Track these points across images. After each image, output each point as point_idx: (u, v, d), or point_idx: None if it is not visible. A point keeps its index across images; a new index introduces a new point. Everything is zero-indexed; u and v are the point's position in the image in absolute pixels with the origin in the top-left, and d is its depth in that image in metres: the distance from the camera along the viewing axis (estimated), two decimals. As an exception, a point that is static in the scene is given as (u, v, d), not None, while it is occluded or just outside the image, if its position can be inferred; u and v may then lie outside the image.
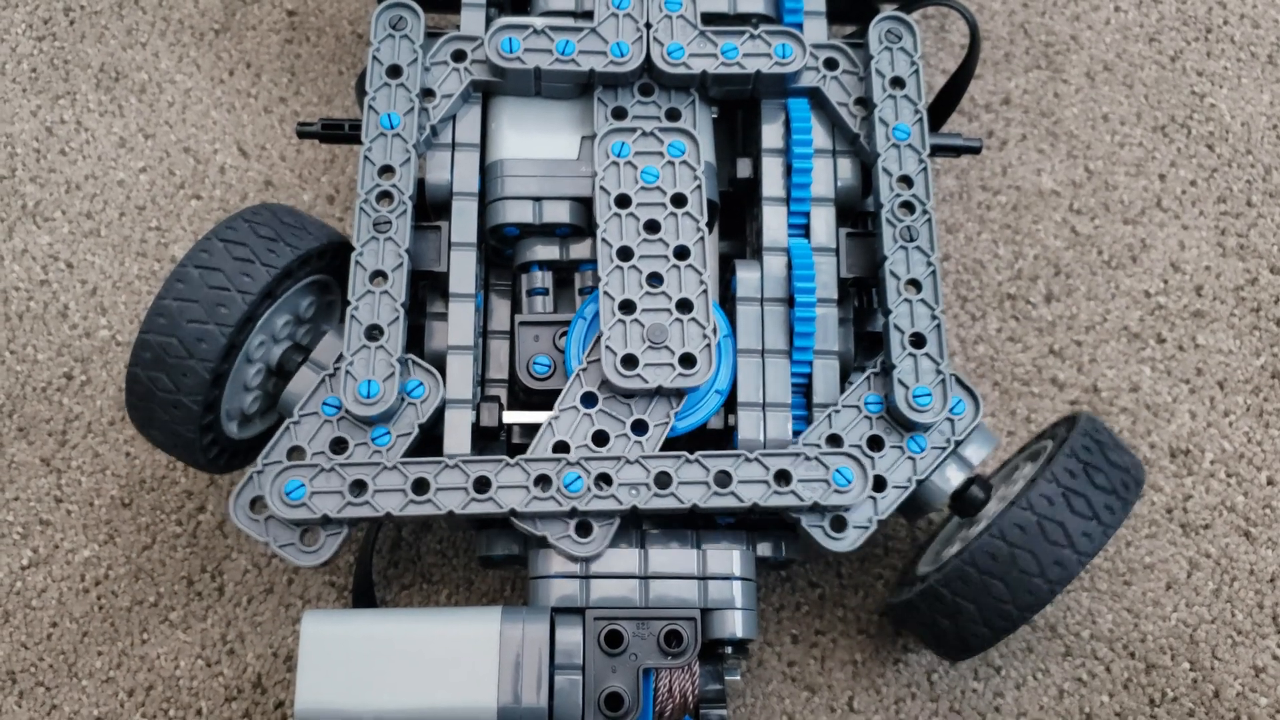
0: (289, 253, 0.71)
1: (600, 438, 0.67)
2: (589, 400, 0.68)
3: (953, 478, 0.71)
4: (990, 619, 0.68)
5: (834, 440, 0.69)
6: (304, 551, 0.66)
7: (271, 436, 0.78)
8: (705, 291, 0.69)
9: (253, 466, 0.67)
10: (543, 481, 0.66)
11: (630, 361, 0.67)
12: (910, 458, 0.69)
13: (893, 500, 0.68)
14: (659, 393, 0.68)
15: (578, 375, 0.68)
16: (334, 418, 0.68)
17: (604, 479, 0.66)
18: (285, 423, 0.68)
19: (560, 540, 0.66)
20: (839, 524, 0.68)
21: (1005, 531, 0.67)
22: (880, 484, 0.69)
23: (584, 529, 0.66)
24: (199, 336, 0.67)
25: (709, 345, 0.68)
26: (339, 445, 0.68)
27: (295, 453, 0.68)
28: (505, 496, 0.66)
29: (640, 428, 0.68)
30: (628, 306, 0.69)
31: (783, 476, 0.67)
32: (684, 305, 0.69)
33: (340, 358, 0.69)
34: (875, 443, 0.69)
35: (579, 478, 0.66)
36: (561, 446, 0.67)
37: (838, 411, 0.70)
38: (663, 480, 0.66)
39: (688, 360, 0.68)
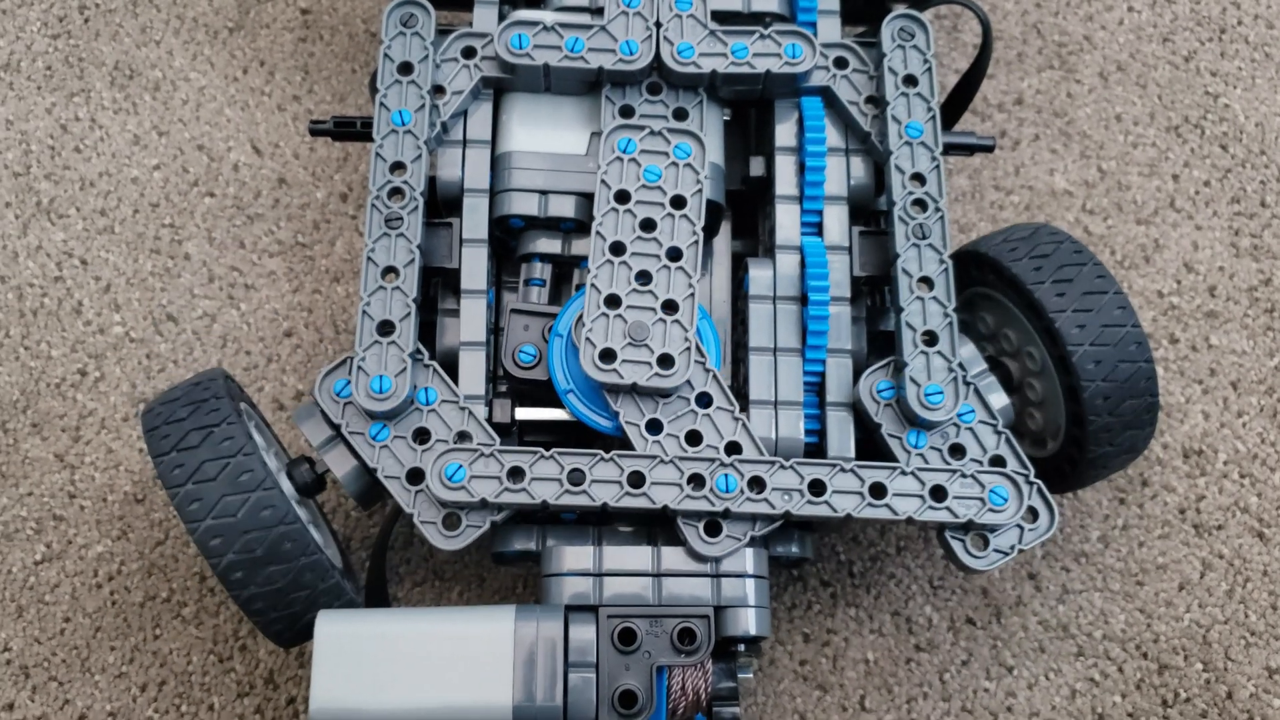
0: (217, 401, 0.68)
1: (693, 437, 0.68)
2: (654, 427, 0.68)
3: (997, 396, 0.73)
4: (1142, 420, 0.73)
5: (955, 450, 0.70)
6: (444, 535, 0.67)
7: (346, 547, 0.80)
8: (693, 295, 0.69)
9: (409, 514, 0.67)
10: (695, 480, 0.66)
11: (608, 356, 0.68)
12: (979, 423, 0.71)
13: (1015, 455, 0.70)
14: (635, 390, 0.68)
15: (622, 423, 0.68)
16: (390, 436, 0.68)
17: (757, 482, 0.66)
18: (379, 478, 0.67)
19: (687, 528, 0.67)
20: (982, 542, 0.68)
21: (1089, 375, 0.71)
22: (1001, 462, 0.70)
23: (713, 529, 0.67)
24: (256, 508, 0.64)
25: (689, 348, 0.68)
26: (421, 435, 0.68)
27: (414, 475, 0.67)
28: (659, 493, 0.66)
29: (704, 400, 0.69)
30: (613, 301, 0.69)
31: (938, 492, 0.67)
32: (669, 306, 0.69)
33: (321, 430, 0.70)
34: (956, 450, 0.70)
35: (733, 479, 0.66)
36: (704, 443, 0.68)
37: (908, 475, 0.69)
38: (817, 487, 0.67)
39: (665, 360, 0.68)
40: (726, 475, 0.66)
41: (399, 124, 0.73)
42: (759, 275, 0.73)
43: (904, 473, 0.67)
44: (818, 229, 0.75)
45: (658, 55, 0.74)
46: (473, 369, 0.71)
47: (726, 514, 0.66)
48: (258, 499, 0.65)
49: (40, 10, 1.00)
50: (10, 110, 0.96)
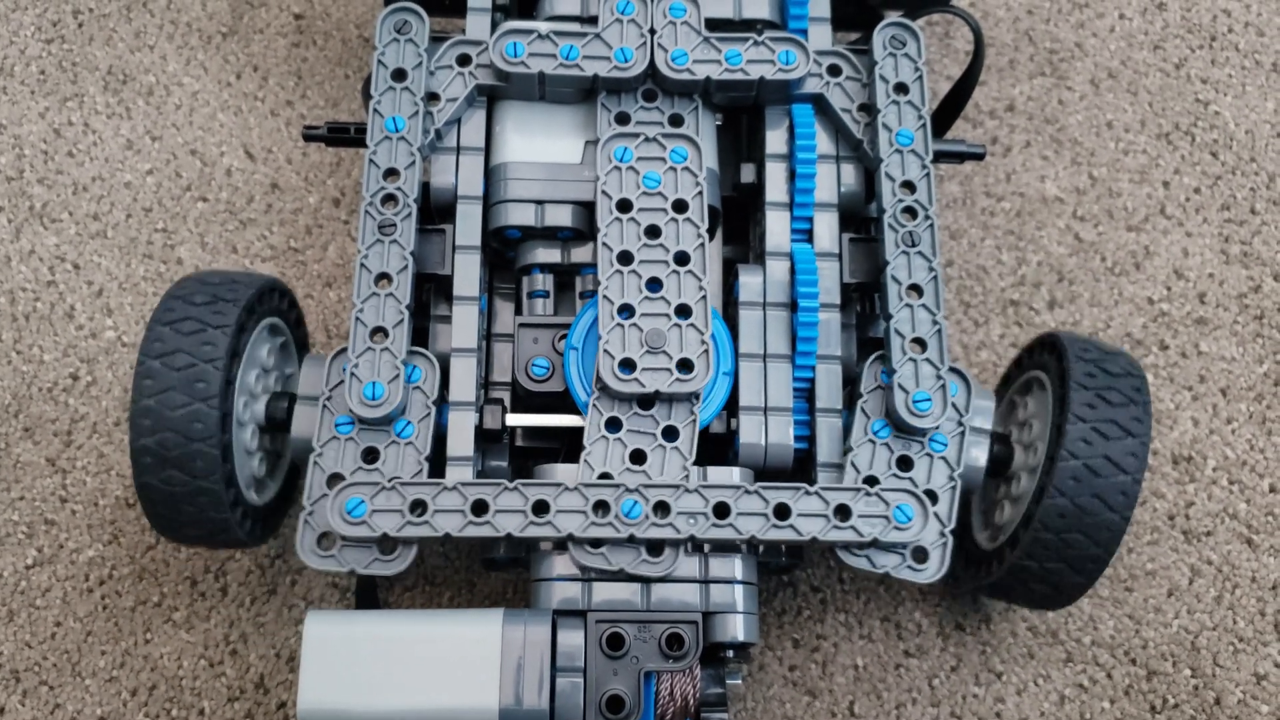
0: (233, 309, 0.70)
1: (637, 456, 0.67)
2: (613, 425, 0.68)
3: (979, 454, 0.72)
4: (1081, 567, 0.70)
5: (870, 481, 0.69)
6: (388, 561, 0.66)
7: (289, 491, 0.79)
8: (704, 297, 0.69)
9: (302, 512, 0.67)
10: (601, 508, 0.66)
11: (628, 365, 0.68)
12: (941, 458, 0.69)
13: (949, 505, 0.69)
14: (658, 397, 0.68)
15: (593, 405, 0.68)
16: (353, 434, 0.68)
17: (661, 507, 0.66)
18: (310, 459, 0.68)
19: (637, 566, 0.65)
20: (920, 555, 0.68)
21: (1061, 487, 0.68)
22: (932, 497, 0.69)
23: (655, 549, 0.66)
24: (191, 419, 0.67)
25: (706, 351, 0.68)
26: (370, 455, 0.68)
27: (335, 479, 0.67)
28: (563, 521, 0.65)
29: (671, 434, 0.68)
30: (627, 310, 0.69)
31: (843, 511, 0.67)
32: (683, 310, 0.69)
33: (332, 373, 0.69)
34: (904, 463, 0.69)
35: (637, 504, 0.65)
36: (605, 477, 0.67)
37: (855, 453, 0.69)
38: (721, 510, 0.66)
39: (685, 365, 0.68)
40: (632, 501, 0.65)
41: (393, 130, 0.73)
42: (749, 281, 0.73)
43: (809, 493, 0.67)
44: (808, 236, 0.75)
45: (652, 62, 0.74)
46: (464, 375, 0.71)
47: (632, 539, 0.65)
48: (196, 410, 0.67)
49: (34, 15, 1.00)
50: (3, 114, 0.97)
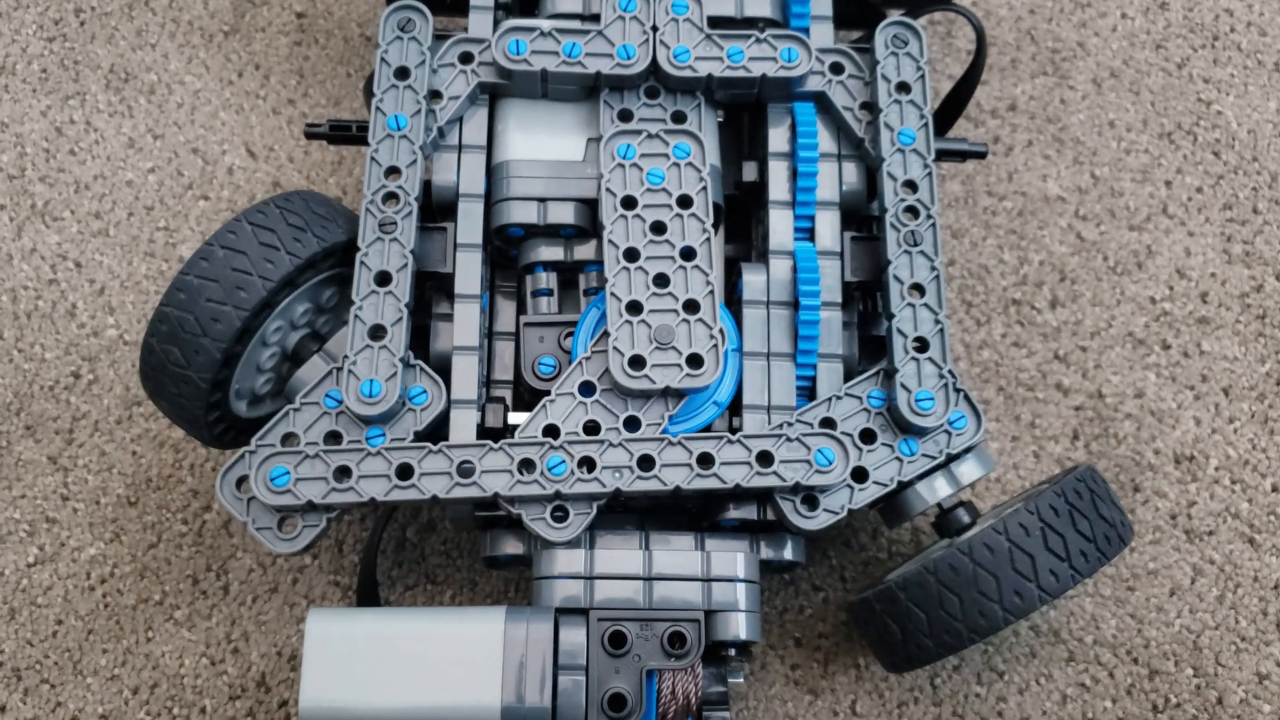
0: (315, 244, 0.71)
1: (591, 428, 0.67)
2: (586, 389, 0.68)
3: (940, 490, 0.71)
4: (937, 632, 0.67)
5: (827, 423, 0.69)
6: (280, 538, 0.67)
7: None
8: (712, 292, 0.69)
9: (247, 446, 0.68)
10: (526, 465, 0.66)
11: (638, 362, 0.68)
12: (899, 459, 0.69)
13: (871, 494, 0.68)
14: (666, 393, 0.68)
15: (580, 363, 0.69)
16: (334, 410, 0.68)
17: (587, 462, 0.66)
18: (285, 408, 0.69)
19: (536, 524, 0.66)
20: (811, 503, 0.68)
21: (973, 549, 0.66)
22: (862, 475, 0.69)
23: (559, 514, 0.66)
24: (214, 316, 0.68)
25: (716, 346, 0.68)
26: (333, 438, 0.68)
27: (290, 439, 0.68)
28: (489, 480, 0.66)
29: (633, 424, 0.68)
30: (635, 307, 0.69)
31: (765, 458, 0.67)
32: (691, 306, 0.69)
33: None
34: (868, 436, 0.69)
35: (563, 461, 0.66)
36: (551, 430, 0.67)
37: (839, 399, 0.70)
38: (645, 463, 0.66)
39: (695, 360, 0.68)
40: (557, 458, 0.66)
41: (395, 128, 0.73)
42: (752, 280, 0.73)
43: (730, 441, 0.67)
44: (810, 234, 0.75)
45: (655, 59, 0.74)
46: (465, 373, 0.71)
47: (559, 496, 0.65)
48: (224, 311, 0.68)
49: (36, 13, 1.00)
50: (5, 113, 0.97)
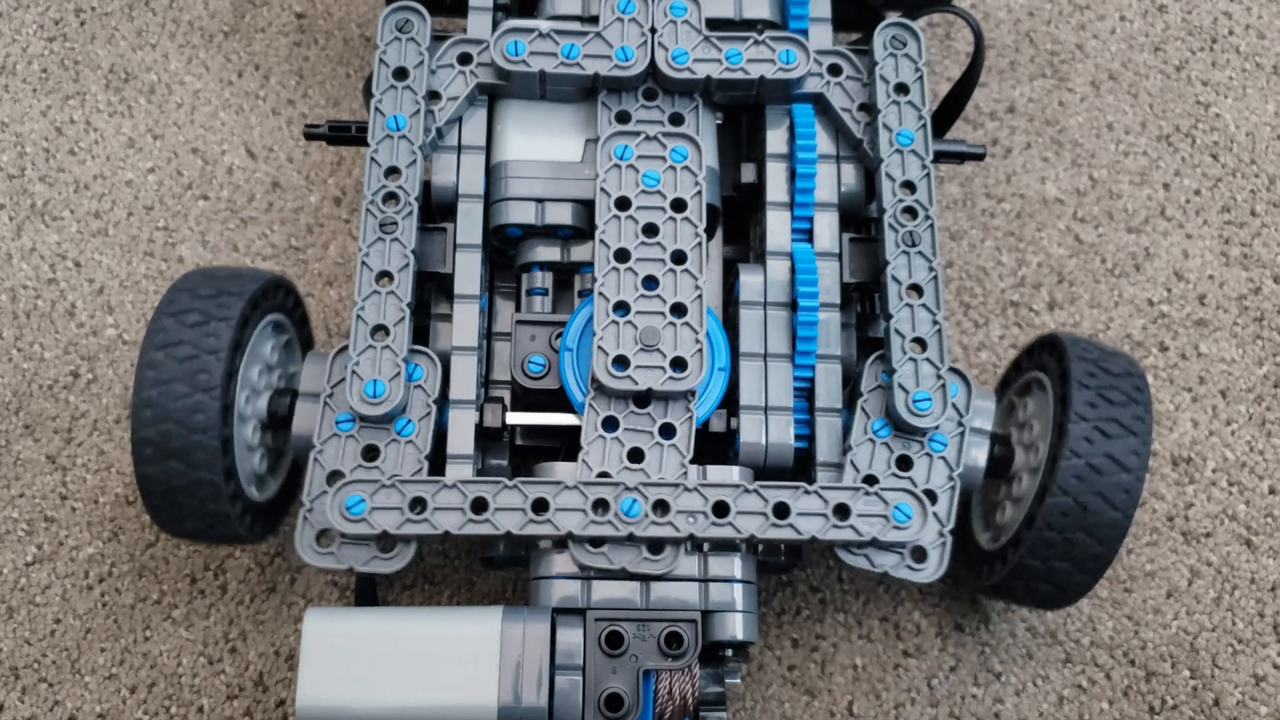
0: (237, 301, 0.71)
1: (635, 454, 0.67)
2: (610, 424, 0.68)
3: (979, 455, 0.72)
4: (1085, 566, 0.70)
5: (870, 480, 0.69)
6: (386, 559, 0.66)
7: (290, 490, 0.79)
8: (700, 296, 0.69)
9: (302, 509, 0.67)
10: (600, 506, 0.65)
11: (622, 362, 0.68)
12: (940, 458, 0.69)
13: (949, 505, 0.69)
14: (651, 395, 0.68)
15: (590, 405, 0.68)
16: (354, 431, 0.68)
17: (661, 506, 0.66)
18: (311, 456, 0.68)
19: (639, 565, 0.65)
20: (919, 554, 0.68)
21: (1064, 486, 0.68)
22: (931, 496, 0.69)
23: (656, 547, 0.66)
24: (192, 410, 0.67)
25: (700, 350, 0.68)
26: (370, 453, 0.68)
27: (335, 476, 0.67)
28: (563, 519, 0.65)
29: (668, 431, 0.68)
30: (622, 308, 0.69)
31: (842, 510, 0.67)
32: (678, 309, 0.69)
33: (334, 370, 0.70)
34: (904, 462, 0.69)
35: (636, 503, 0.65)
36: (604, 476, 0.67)
37: (854, 452, 0.69)
38: (720, 509, 0.66)
39: (679, 364, 0.68)
40: (631, 499, 0.65)
41: (394, 129, 0.73)
42: (750, 281, 0.73)
43: (808, 492, 0.66)
44: (808, 235, 0.75)
45: (653, 61, 0.74)
46: (465, 373, 0.71)
47: (631, 538, 0.65)
48: (198, 401, 0.67)
49: (36, 13, 1.00)
50: (5, 112, 0.97)
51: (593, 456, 0.67)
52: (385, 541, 0.66)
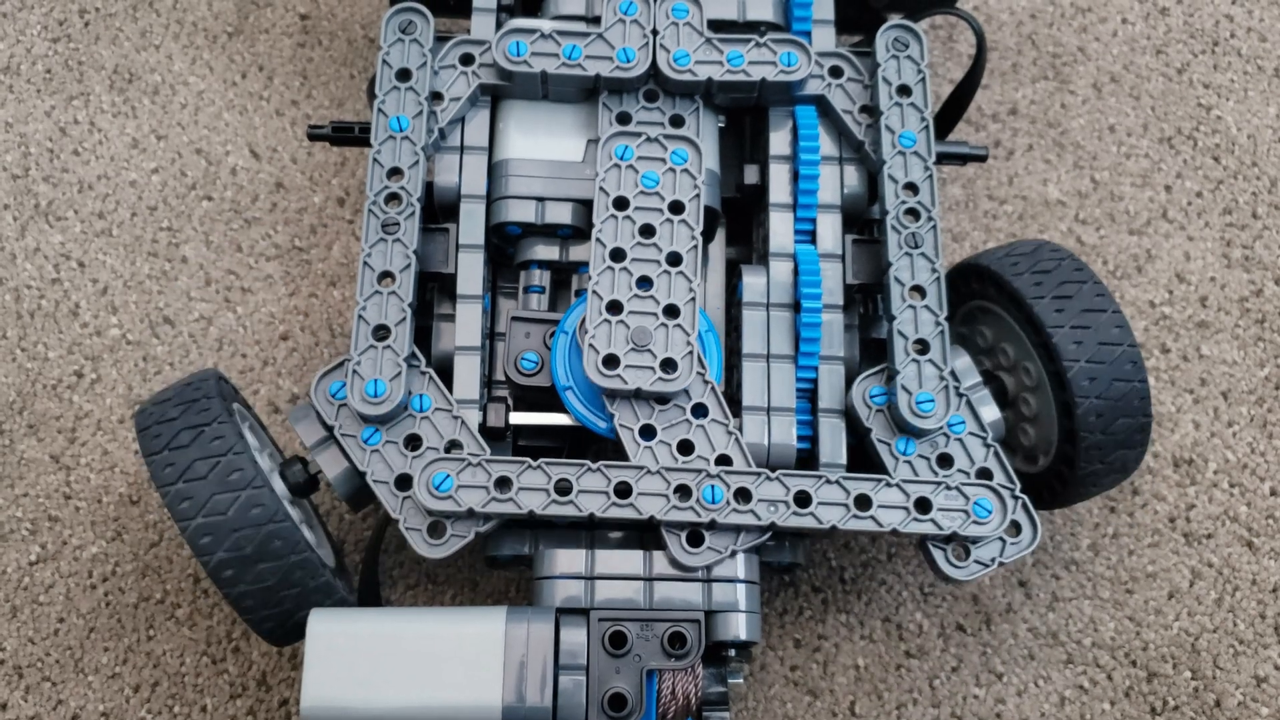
0: (209, 401, 0.69)
1: (685, 447, 0.68)
2: (647, 433, 0.68)
3: (990, 409, 0.73)
4: (1133, 440, 0.73)
5: (923, 505, 0.68)
6: (429, 543, 0.67)
7: (340, 548, 0.79)
8: (693, 299, 0.70)
9: (396, 522, 0.68)
10: (682, 491, 0.66)
11: (611, 361, 0.68)
12: (969, 435, 0.71)
13: (1002, 469, 0.70)
14: (639, 395, 0.68)
15: (620, 427, 0.68)
16: (382, 439, 0.69)
17: (743, 494, 0.66)
18: (368, 482, 0.68)
19: (680, 554, 0.66)
20: (1014, 528, 0.69)
21: (1083, 392, 0.71)
22: (986, 474, 0.70)
23: (695, 539, 0.67)
24: (247, 506, 0.65)
25: (691, 352, 0.68)
26: (412, 442, 0.68)
27: (403, 481, 0.68)
28: (645, 504, 0.66)
29: (700, 411, 0.69)
30: (615, 307, 0.69)
31: (922, 504, 0.67)
32: (671, 310, 0.69)
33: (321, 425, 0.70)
34: (944, 460, 0.70)
35: (719, 489, 0.66)
36: (671, 467, 0.67)
37: (897, 479, 0.69)
38: (802, 499, 0.67)
39: (669, 365, 0.68)
40: (713, 486, 0.66)
41: (397, 130, 0.73)
42: (753, 282, 0.73)
43: (889, 484, 0.67)
44: (811, 237, 0.75)
45: (654, 63, 0.74)
46: (467, 373, 0.71)
47: (713, 525, 0.66)
48: (248, 497, 0.65)
49: (40, 14, 1.00)
50: (9, 113, 0.97)
51: (643, 484, 0.67)
52: (440, 526, 0.67)
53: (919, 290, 0.72)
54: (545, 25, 0.75)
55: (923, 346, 0.71)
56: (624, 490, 0.66)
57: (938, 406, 0.69)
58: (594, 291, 0.69)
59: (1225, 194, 0.97)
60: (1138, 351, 0.71)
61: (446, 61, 0.76)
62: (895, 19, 0.79)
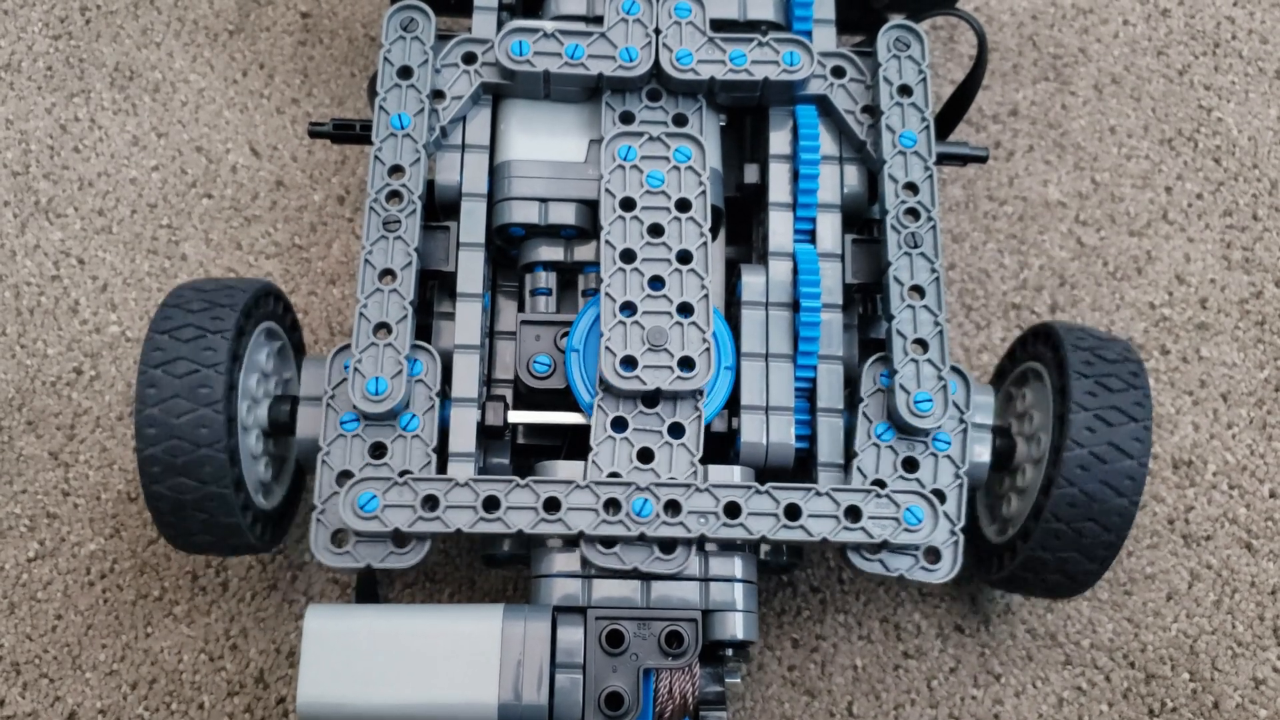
0: (231, 313, 0.71)
1: (645, 455, 0.67)
2: (619, 425, 0.68)
3: (983, 450, 0.73)
4: (1094, 554, 0.70)
5: (879, 484, 0.69)
6: (401, 554, 0.66)
7: (296, 494, 0.79)
8: (706, 296, 0.69)
9: (314, 512, 0.67)
10: (612, 505, 0.66)
11: (630, 362, 0.68)
12: (945, 456, 0.70)
13: (958, 503, 0.69)
14: (659, 395, 0.68)
15: (598, 405, 0.68)
16: (359, 430, 0.68)
17: (673, 506, 0.66)
18: (318, 458, 0.68)
19: (650, 564, 0.66)
20: (933, 555, 0.68)
21: (1070, 477, 0.69)
22: (940, 496, 0.69)
23: (668, 547, 0.66)
24: (197, 424, 0.67)
25: (708, 349, 0.68)
26: (377, 450, 0.68)
27: (344, 476, 0.68)
28: (574, 518, 0.65)
29: (677, 431, 0.68)
30: (629, 308, 0.69)
31: (853, 512, 0.67)
32: (685, 309, 0.69)
33: (333, 372, 0.70)
34: (910, 464, 0.70)
35: (648, 503, 0.65)
36: (614, 476, 0.67)
37: (860, 458, 0.69)
38: (732, 510, 0.66)
39: (686, 363, 0.68)
40: (643, 499, 0.65)
41: (398, 127, 0.73)
42: (752, 281, 0.73)
43: (819, 494, 0.67)
44: (811, 236, 0.75)
45: (657, 62, 0.74)
46: (466, 372, 0.71)
47: (643, 538, 0.66)
48: (201, 415, 0.67)
49: (42, 11, 1.01)
50: (10, 110, 0.97)
51: (602, 457, 0.67)
52: (399, 538, 0.67)
53: (918, 290, 0.72)
54: (548, 25, 0.75)
55: (922, 346, 0.71)
56: (553, 505, 0.66)
57: (936, 406, 0.69)
58: (607, 294, 0.69)
59: (1226, 196, 0.97)
60: (1143, 473, 0.69)
61: (449, 60, 0.76)
62: (896, 19, 0.79)
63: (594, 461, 0.67)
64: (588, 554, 0.65)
